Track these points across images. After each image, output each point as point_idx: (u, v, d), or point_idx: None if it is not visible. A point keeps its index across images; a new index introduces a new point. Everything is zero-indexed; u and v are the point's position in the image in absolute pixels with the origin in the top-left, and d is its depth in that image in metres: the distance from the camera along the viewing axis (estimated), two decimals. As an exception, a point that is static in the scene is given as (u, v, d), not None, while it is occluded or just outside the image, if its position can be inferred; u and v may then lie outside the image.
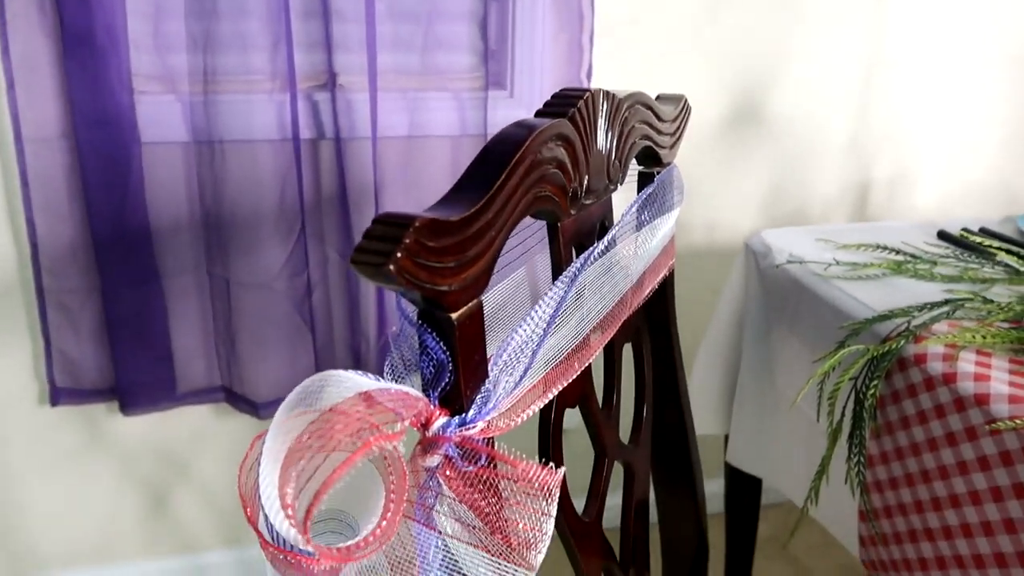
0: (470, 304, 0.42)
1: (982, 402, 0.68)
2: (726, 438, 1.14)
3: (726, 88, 1.32)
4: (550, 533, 0.41)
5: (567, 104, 0.51)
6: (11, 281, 1.16)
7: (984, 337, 0.74)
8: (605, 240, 0.56)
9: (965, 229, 1.06)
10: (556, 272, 0.55)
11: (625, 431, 0.68)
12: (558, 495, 0.41)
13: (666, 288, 0.73)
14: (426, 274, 0.38)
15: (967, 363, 0.72)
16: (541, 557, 0.42)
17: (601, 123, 0.55)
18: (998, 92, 1.45)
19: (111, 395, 1.21)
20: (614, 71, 1.26)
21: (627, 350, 0.68)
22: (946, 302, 0.80)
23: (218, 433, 1.31)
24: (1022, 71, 1.44)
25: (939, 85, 1.41)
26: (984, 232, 1.06)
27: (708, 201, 1.39)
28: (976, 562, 0.70)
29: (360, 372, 0.40)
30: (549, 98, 0.52)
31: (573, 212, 0.53)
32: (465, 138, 1.20)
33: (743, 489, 1.16)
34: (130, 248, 1.13)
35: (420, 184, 1.21)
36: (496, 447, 0.43)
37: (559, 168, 0.50)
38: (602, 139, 0.56)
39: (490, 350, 0.47)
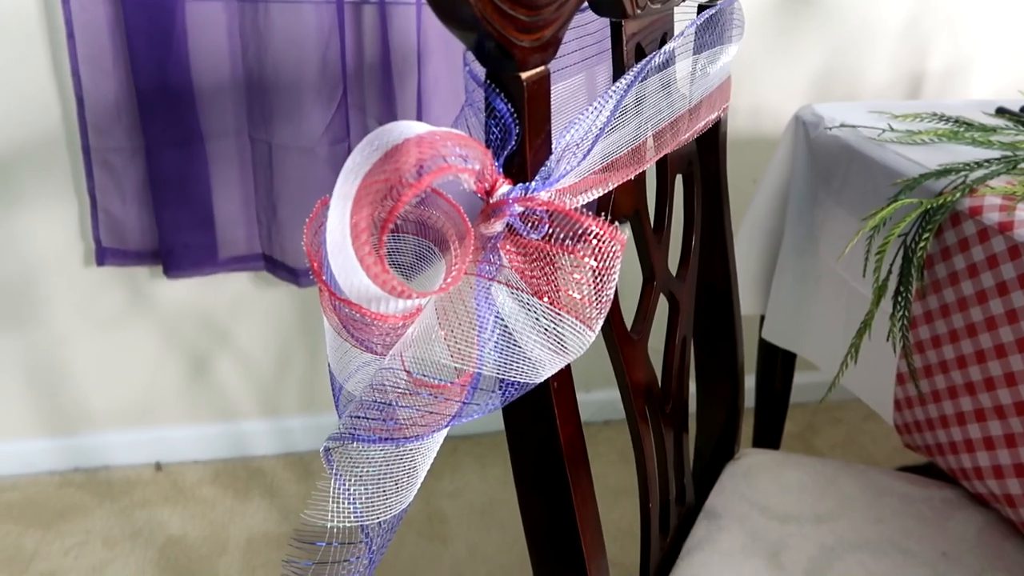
0: (539, 68, 0.41)
1: (1039, 248, 0.66)
2: (761, 320, 1.13)
3: (781, -35, 1.27)
4: (611, 296, 0.42)
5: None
6: (57, 137, 1.17)
7: (1044, 190, 0.72)
8: (668, 47, 0.55)
9: (1025, 107, 1.03)
10: (617, 75, 0.55)
11: (672, 266, 0.68)
12: (621, 257, 0.41)
13: (719, 130, 0.72)
14: (499, 18, 0.37)
15: (1025, 213, 0.70)
16: (600, 323, 0.42)
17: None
18: (1068, -20, 1.38)
19: (155, 258, 1.23)
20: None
21: (679, 184, 0.68)
22: (1004, 158, 0.78)
23: (258, 301, 1.33)
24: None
25: (1006, -30, 1.35)
26: (1045, 110, 1.03)
27: (754, 85, 1.35)
28: (1018, 409, 0.70)
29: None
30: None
31: (639, 11, 0.52)
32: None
33: (775, 374, 1.16)
34: (173, 107, 1.13)
35: (461, 54, 1.19)
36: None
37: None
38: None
39: (553, 135, 0.47)
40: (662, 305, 0.65)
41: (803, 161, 1.01)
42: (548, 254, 0.43)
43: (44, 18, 1.11)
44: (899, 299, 0.79)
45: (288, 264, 1.24)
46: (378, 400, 0.41)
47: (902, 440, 0.87)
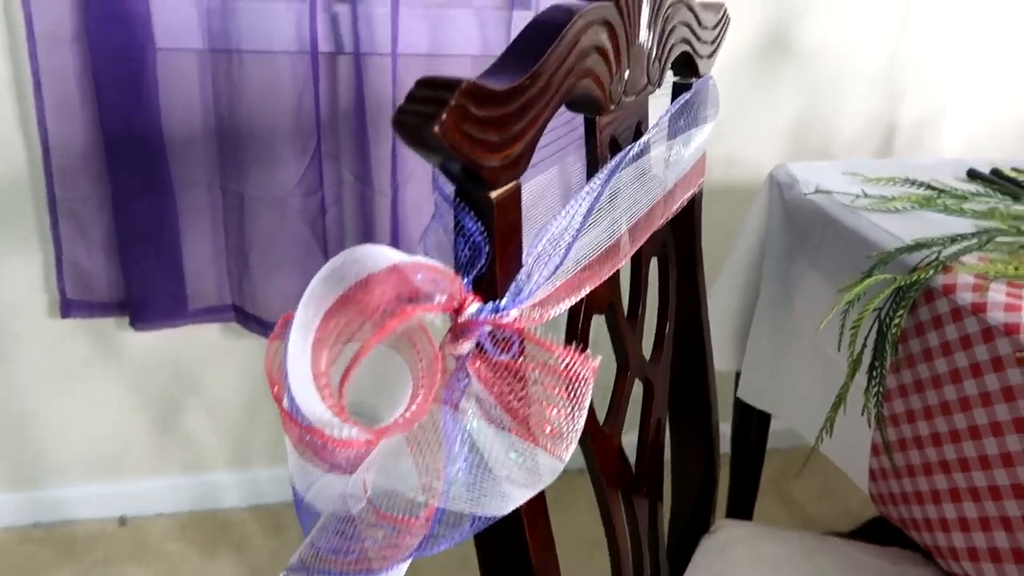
0: (510, 185, 0.40)
1: (1012, 331, 0.66)
2: (737, 376, 1.13)
3: (755, 13, 1.28)
4: (581, 426, 0.41)
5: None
6: (23, 187, 1.15)
7: (1016, 268, 0.72)
8: (642, 140, 0.54)
9: (996, 168, 1.04)
10: (592, 170, 0.54)
11: (646, 348, 0.67)
12: (592, 385, 0.40)
13: (694, 206, 0.71)
14: (469, 144, 0.36)
15: (997, 293, 0.70)
16: (571, 451, 0.41)
17: (645, 15, 0.53)
18: (1035, 36, 1.40)
19: (122, 309, 1.21)
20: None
21: (653, 266, 0.67)
22: (978, 233, 0.78)
23: (228, 352, 1.31)
24: (1062, 15, 1.39)
25: (975, 22, 1.37)
26: (1016, 171, 1.04)
27: (729, 134, 1.36)
28: (992, 493, 0.69)
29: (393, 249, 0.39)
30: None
31: (612, 107, 0.51)
32: (486, 58, 1.17)
33: (751, 426, 1.16)
34: (142, 157, 1.11)
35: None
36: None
37: (602, 56, 0.48)
38: (644, 34, 0.54)
39: (524, 244, 0.46)
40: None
41: (778, 221, 1.01)
42: (520, 372, 0.41)
43: (10, 65, 1.09)
44: (873, 374, 0.78)
45: (259, 316, 1.22)
46: (341, 529, 0.40)
47: (877, 510, 0.86)
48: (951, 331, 0.73)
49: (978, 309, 0.70)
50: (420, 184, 1.21)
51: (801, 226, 0.96)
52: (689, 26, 0.62)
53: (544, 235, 0.44)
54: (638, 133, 0.59)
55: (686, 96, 0.62)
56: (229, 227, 1.18)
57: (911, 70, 1.38)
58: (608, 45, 0.48)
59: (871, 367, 0.79)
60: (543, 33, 0.43)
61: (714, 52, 0.69)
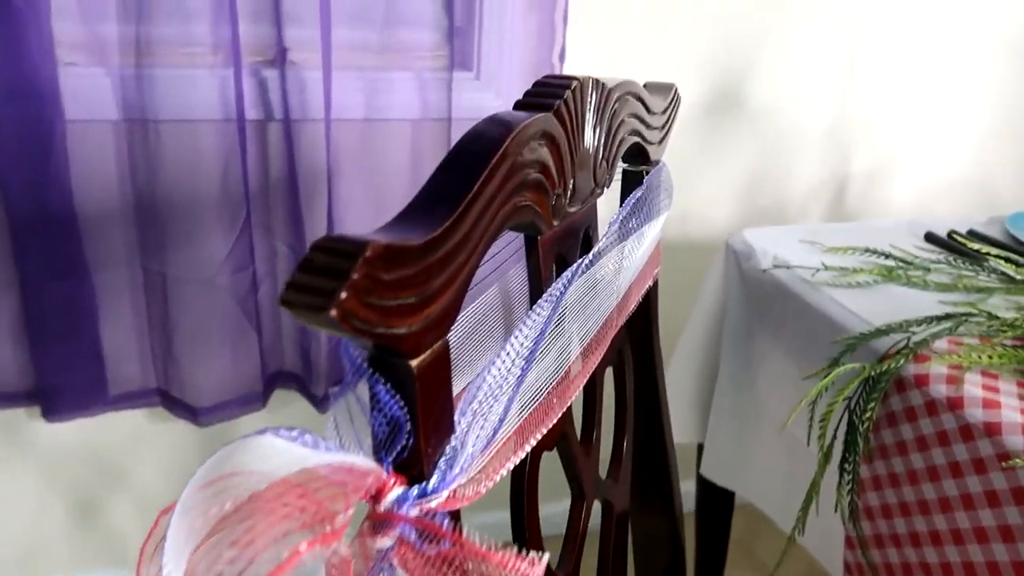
0: (434, 347, 0.34)
1: (993, 432, 0.62)
2: (699, 447, 1.08)
3: (703, 74, 1.25)
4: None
5: (551, 95, 0.43)
6: (-84, 272, 1.04)
7: (991, 357, 0.68)
8: (590, 255, 0.48)
9: (953, 232, 1.01)
10: (534, 291, 0.48)
11: (602, 462, 0.60)
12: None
13: (650, 299, 0.66)
14: (379, 316, 0.29)
15: (973, 386, 0.66)
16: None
17: (589, 117, 0.47)
18: (979, 87, 1.40)
19: (32, 399, 1.10)
20: (588, 54, 1.17)
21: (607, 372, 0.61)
22: (947, 316, 0.74)
23: (154, 439, 1.21)
24: (1003, 67, 1.39)
25: (921, 77, 1.36)
26: (973, 235, 1.01)
27: (681, 191, 1.31)
28: (979, 603, 0.64)
29: (296, 433, 0.32)
30: (531, 87, 0.44)
31: (556, 223, 0.45)
32: (427, 122, 1.11)
33: (716, 502, 1.10)
34: (53, 237, 1.02)
35: (378, 171, 1.12)
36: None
37: (542, 172, 0.42)
38: (589, 136, 0.48)
39: (456, 390, 0.40)
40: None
41: (737, 293, 0.96)
42: (456, 562, 0.35)
43: (-98, 141, 0.99)
44: (845, 467, 0.73)
45: (187, 401, 1.12)
46: None
47: (854, 606, 0.81)
48: (926, 425, 0.68)
49: (955, 405, 0.65)
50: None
51: (761, 301, 0.92)
52: (638, 116, 0.56)
53: (480, 388, 0.38)
54: (586, 239, 0.53)
55: (637, 193, 0.57)
56: (152, 307, 1.09)
57: (859, 125, 1.36)
58: (550, 160, 0.42)
59: (843, 460, 0.74)
60: (471, 159, 0.36)
61: (665, 137, 0.64)
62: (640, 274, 0.61)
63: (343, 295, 0.27)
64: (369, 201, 1.13)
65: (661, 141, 0.64)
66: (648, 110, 0.59)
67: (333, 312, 0.27)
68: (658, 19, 1.19)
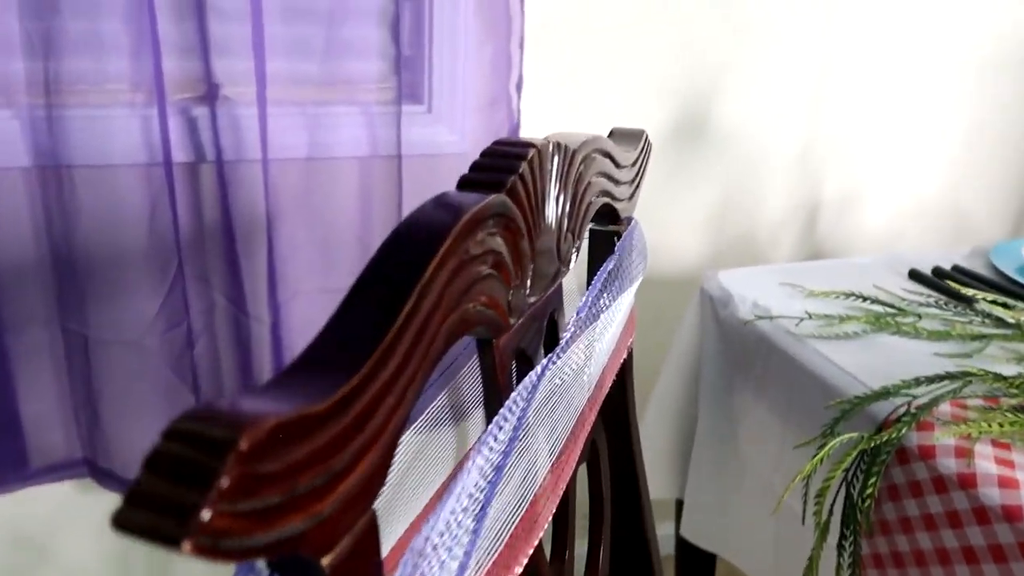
0: (354, 529, 0.25)
1: (1014, 517, 0.55)
2: (678, 503, 1.00)
3: (667, 101, 1.19)
4: None
5: (505, 168, 0.35)
6: None
7: (1001, 425, 0.61)
8: (557, 350, 0.40)
9: (938, 268, 0.96)
10: (491, 400, 0.39)
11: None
12: None
13: (625, 374, 0.58)
14: (266, 523, 0.21)
15: (986, 460, 0.59)
16: None
17: (551, 189, 0.40)
18: (948, 110, 1.36)
19: (-60, 475, 0.99)
20: (547, 83, 1.10)
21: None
22: (949, 376, 0.68)
23: (83, 513, 1.10)
24: (971, 91, 1.35)
25: (889, 102, 1.32)
26: (958, 271, 0.96)
27: (648, 221, 1.25)
28: None
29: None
30: (480, 157, 0.36)
31: (514, 321, 0.37)
32: (376, 159, 1.03)
33: (697, 563, 1.03)
34: (-43, 298, 0.91)
35: (323, 213, 1.03)
36: None
37: (496, 266, 0.34)
38: (551, 209, 0.40)
39: (389, 543, 0.31)
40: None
41: (714, 342, 0.89)
42: None
43: None
44: (844, 545, 0.66)
45: (117, 472, 1.02)
46: None
47: None
48: (934, 503, 0.61)
49: (967, 483, 0.59)
50: (308, 301, 1.04)
51: (741, 352, 0.85)
52: (606, 175, 0.49)
53: (423, 556, 0.30)
54: (552, 323, 0.45)
55: (609, 265, 0.49)
56: (73, 371, 0.99)
57: (829, 151, 1.31)
58: (505, 249, 0.34)
59: (841, 537, 0.66)
60: (402, 266, 0.28)
61: (636, 190, 0.57)
62: (614, 352, 0.53)
63: (204, 515, 0.19)
64: (314, 245, 1.04)
65: (632, 196, 0.57)
66: (617, 164, 0.51)
67: (187, 546, 0.18)
68: (621, 46, 1.13)
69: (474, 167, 0.35)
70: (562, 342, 0.41)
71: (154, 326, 0.97)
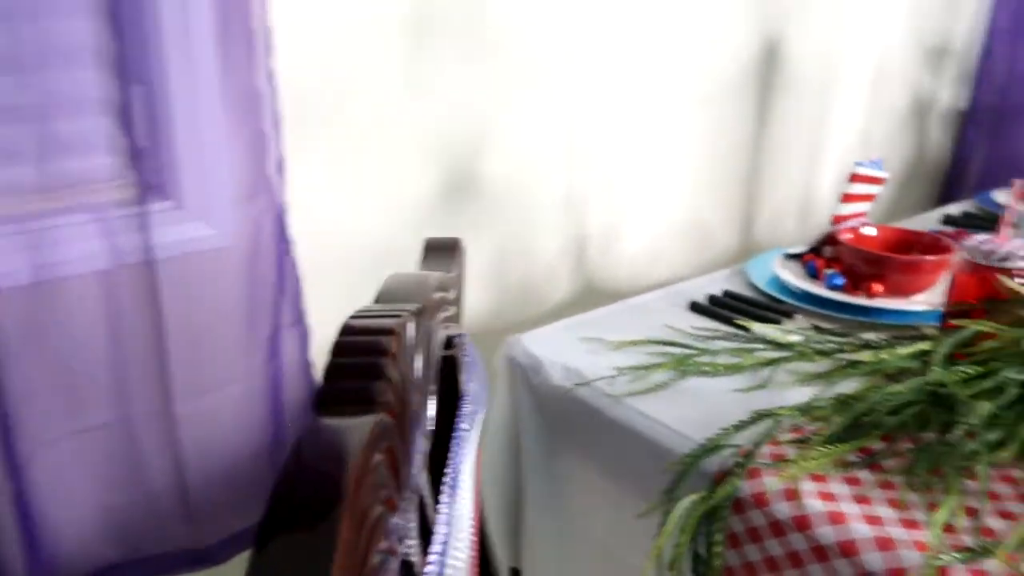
0: None
1: (848, 552, 0.59)
2: (514, 571, 0.98)
3: (435, 161, 1.17)
4: None
5: (368, 369, 0.30)
6: None
7: (815, 459, 0.66)
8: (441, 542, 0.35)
9: (714, 297, 1.03)
10: None
11: None
12: None
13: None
14: None
15: (812, 498, 0.63)
16: None
17: (414, 366, 0.35)
18: (686, 139, 1.49)
19: None
20: (309, 160, 1.03)
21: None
22: (760, 416, 0.72)
23: None
24: (701, 117, 1.49)
25: (636, 138, 1.41)
26: (729, 297, 1.04)
27: (434, 287, 1.22)
28: None
29: None
30: (332, 358, 0.30)
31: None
32: (122, 270, 0.89)
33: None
34: None
35: (63, 342, 0.87)
36: None
37: (387, 503, 0.28)
38: (414, 387, 0.35)
39: None
40: None
41: (530, 411, 0.88)
42: None
43: None
44: (701, 604, 0.67)
45: None
46: None
47: None
48: (773, 546, 0.64)
49: (802, 526, 0.62)
50: (57, 451, 0.88)
51: (561, 419, 0.84)
52: (445, 308, 0.45)
53: None
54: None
55: (467, 403, 0.45)
56: None
57: (589, 188, 1.37)
58: (390, 478, 0.29)
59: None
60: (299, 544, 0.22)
61: (461, 299, 0.53)
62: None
63: None
64: (57, 380, 0.87)
65: (459, 309, 0.53)
66: (446, 290, 0.47)
67: None
68: (382, 113, 1.08)
69: (331, 373, 0.29)
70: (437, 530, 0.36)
71: None
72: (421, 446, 0.36)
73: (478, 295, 1.29)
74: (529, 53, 1.21)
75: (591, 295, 1.44)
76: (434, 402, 0.40)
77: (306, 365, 1.03)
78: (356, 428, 0.26)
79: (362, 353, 0.30)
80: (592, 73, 1.30)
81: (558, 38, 1.24)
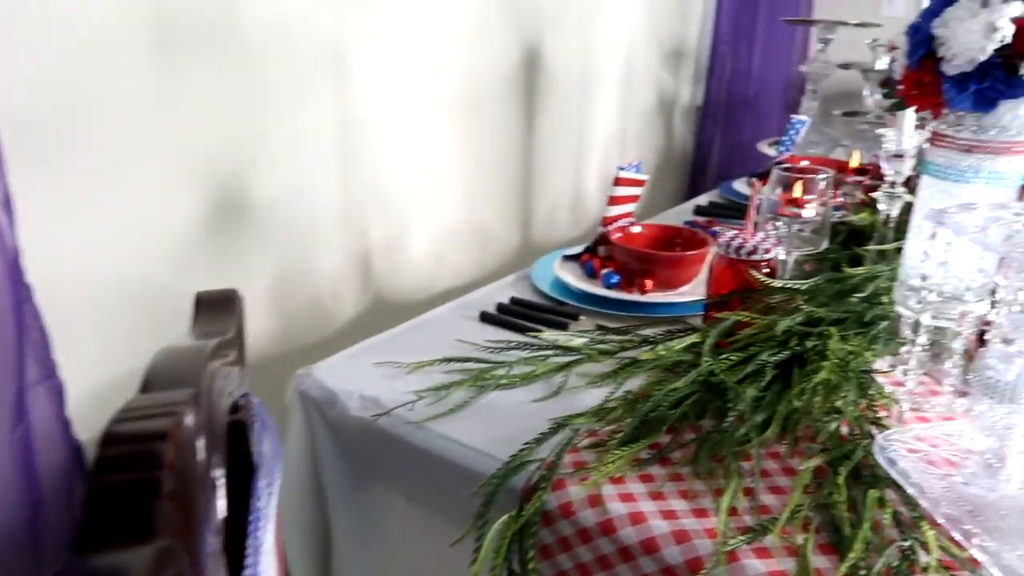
0: None
1: (650, 550, 0.62)
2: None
3: (196, 184, 1.07)
4: None
5: (145, 458, 0.26)
6: None
7: (612, 463, 0.69)
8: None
9: (501, 306, 1.04)
10: None
11: None
12: None
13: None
14: None
15: (614, 501, 0.66)
16: None
17: (199, 448, 0.31)
18: (455, 144, 1.50)
19: None
20: (42, 191, 0.90)
21: None
22: (557, 427, 0.74)
23: None
24: (468, 122, 1.51)
25: (408, 146, 1.40)
26: (516, 304, 1.06)
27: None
28: None
29: None
30: (103, 447, 0.25)
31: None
32: None
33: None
34: None
35: None
36: None
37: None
38: (202, 480, 0.31)
39: None
40: None
41: (330, 446, 0.84)
42: None
43: None
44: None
45: None
46: None
47: None
48: (583, 552, 0.66)
49: (607, 530, 0.64)
50: None
51: (363, 451, 0.81)
52: (227, 370, 0.40)
53: None
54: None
55: (261, 473, 0.41)
56: None
57: (367, 199, 1.34)
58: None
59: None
60: None
61: (243, 353, 0.49)
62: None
63: None
64: None
65: (241, 362, 0.49)
66: (226, 355, 0.43)
67: None
68: (125, 134, 0.98)
69: (95, 498, 0.25)
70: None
71: None
72: (213, 546, 0.32)
73: (260, 324, 1.21)
74: (289, 63, 1.16)
75: (379, 309, 1.41)
76: (223, 484, 0.36)
77: (63, 423, 0.91)
78: (132, 565, 0.23)
79: (132, 468, 0.26)
80: (357, 84, 1.27)
81: (319, 49, 1.20)
